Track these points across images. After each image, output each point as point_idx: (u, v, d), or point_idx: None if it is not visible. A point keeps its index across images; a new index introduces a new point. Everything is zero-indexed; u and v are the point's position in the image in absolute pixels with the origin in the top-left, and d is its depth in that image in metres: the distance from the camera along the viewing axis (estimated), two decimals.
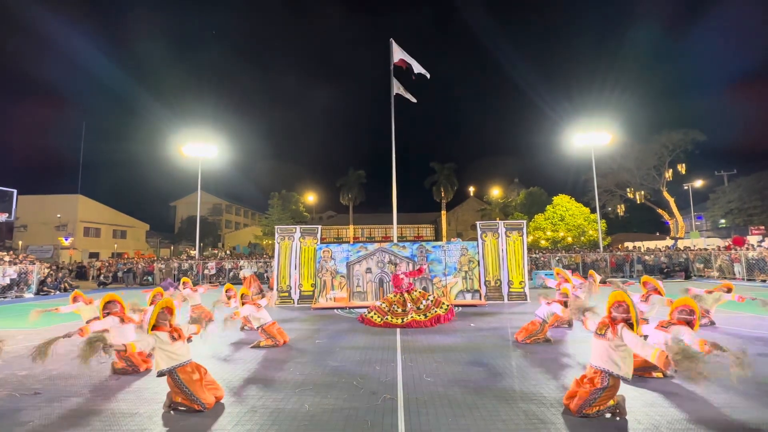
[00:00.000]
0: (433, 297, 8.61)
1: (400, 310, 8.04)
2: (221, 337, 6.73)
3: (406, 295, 8.29)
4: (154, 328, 3.79)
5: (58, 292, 17.06)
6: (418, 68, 14.42)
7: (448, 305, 8.52)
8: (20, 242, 34.86)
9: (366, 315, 8.35)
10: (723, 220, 35.54)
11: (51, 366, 5.32)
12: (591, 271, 8.76)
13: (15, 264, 16.95)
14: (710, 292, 7.43)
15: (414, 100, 14.59)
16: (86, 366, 3.54)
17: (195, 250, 28.31)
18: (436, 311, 8.08)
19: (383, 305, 8.33)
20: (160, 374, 3.74)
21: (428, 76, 14.54)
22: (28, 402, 4.00)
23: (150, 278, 21.57)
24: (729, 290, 7.43)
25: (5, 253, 19.68)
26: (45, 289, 16.99)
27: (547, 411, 3.58)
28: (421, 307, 8.11)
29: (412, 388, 4.23)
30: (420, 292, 8.60)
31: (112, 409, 3.80)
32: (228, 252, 37.74)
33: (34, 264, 18.02)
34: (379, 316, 8.05)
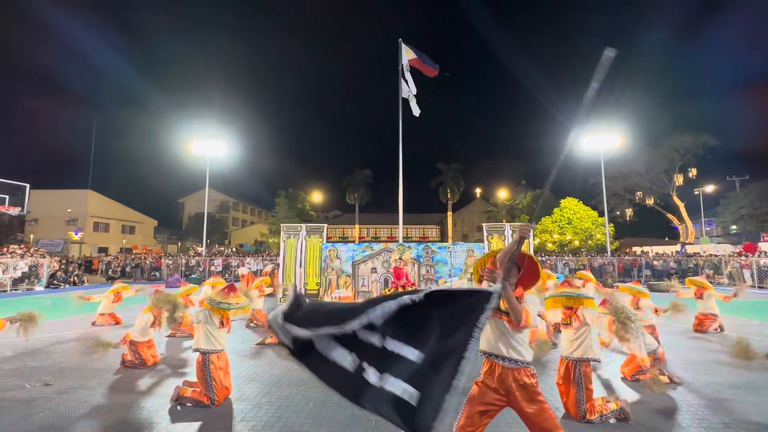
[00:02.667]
0: None
1: None
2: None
3: (401, 290, 8.21)
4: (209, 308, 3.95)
5: (67, 286, 17.33)
6: (431, 64, 14.39)
7: None
8: (31, 236, 35.42)
9: None
10: (734, 226, 34.97)
11: (61, 359, 5.42)
12: (579, 273, 8.72)
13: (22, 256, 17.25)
14: (700, 297, 7.26)
15: (417, 113, 14.45)
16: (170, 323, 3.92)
17: (202, 246, 28.57)
18: None
19: None
20: (197, 351, 3.85)
21: (436, 73, 14.50)
22: (38, 393, 4.08)
23: (157, 273, 21.80)
24: (702, 287, 7.32)
25: (17, 247, 20.04)
26: (55, 282, 17.25)
27: None
28: None
29: None
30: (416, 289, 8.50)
31: (120, 402, 3.86)
32: (234, 249, 38.02)
33: (45, 258, 18.33)
34: None
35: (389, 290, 8.53)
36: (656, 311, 5.55)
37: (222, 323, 3.91)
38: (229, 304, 3.90)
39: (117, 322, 7.90)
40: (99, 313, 7.88)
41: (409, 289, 8.33)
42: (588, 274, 8.94)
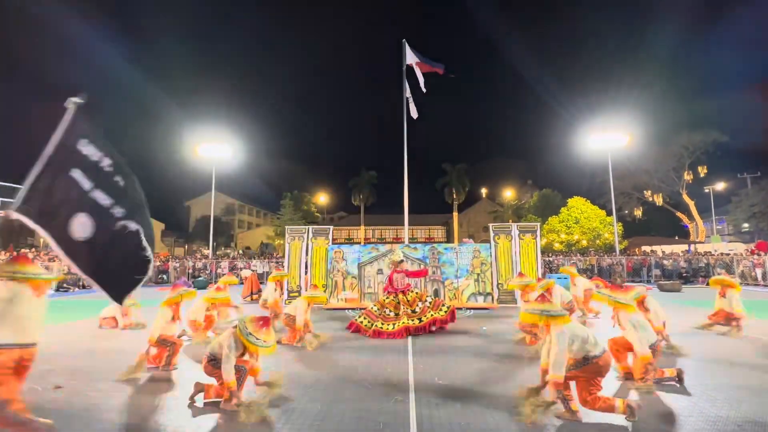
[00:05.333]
0: (431, 300, 7.80)
1: (392, 315, 7.36)
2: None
3: (400, 296, 7.59)
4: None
5: (77, 289, 17.53)
6: (435, 66, 14.35)
7: (448, 308, 7.62)
8: (41, 240, 35.94)
9: (356, 319, 7.55)
10: (746, 224, 34.38)
11: (72, 361, 5.46)
12: (563, 269, 8.66)
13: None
14: (723, 295, 7.01)
15: (415, 115, 14.35)
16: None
17: (208, 249, 28.79)
18: (432, 315, 7.35)
19: (374, 308, 7.60)
20: (212, 356, 3.80)
21: (441, 72, 14.44)
22: (49, 396, 4.11)
23: (164, 276, 21.99)
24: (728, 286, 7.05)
25: (28, 251, 20.35)
26: (65, 286, 17.46)
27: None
28: (417, 310, 7.39)
29: (424, 390, 4.20)
30: (417, 293, 7.87)
31: (131, 403, 3.89)
32: (240, 251, 38.25)
33: (54, 261, 18.57)
34: (369, 321, 7.36)
35: (386, 297, 7.86)
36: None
37: (245, 354, 3.78)
38: (257, 339, 3.68)
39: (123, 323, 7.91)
40: (102, 317, 7.78)
41: (413, 293, 7.82)
42: (572, 269, 9.00)
